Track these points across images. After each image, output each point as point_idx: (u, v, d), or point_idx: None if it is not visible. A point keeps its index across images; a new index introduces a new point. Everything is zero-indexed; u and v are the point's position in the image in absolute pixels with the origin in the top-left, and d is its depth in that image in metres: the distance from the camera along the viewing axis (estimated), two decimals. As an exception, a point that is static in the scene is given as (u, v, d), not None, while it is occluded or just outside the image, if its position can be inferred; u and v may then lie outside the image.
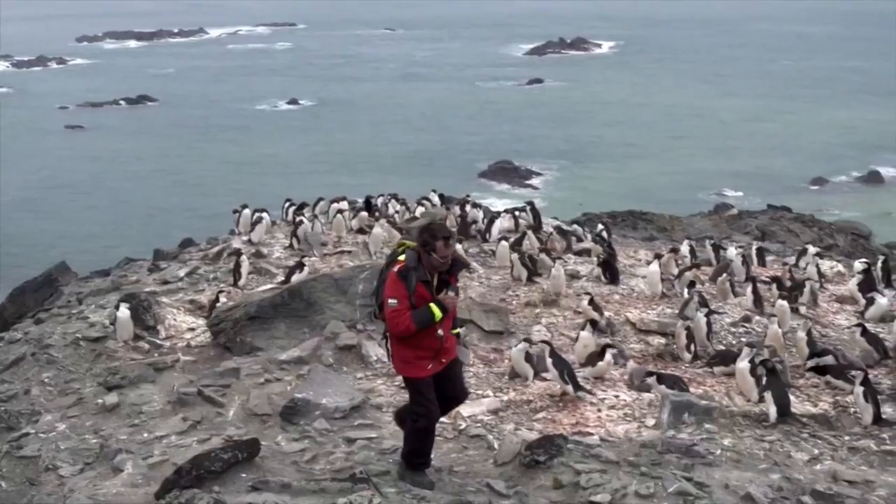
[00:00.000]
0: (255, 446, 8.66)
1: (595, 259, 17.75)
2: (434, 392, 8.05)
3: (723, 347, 13.27)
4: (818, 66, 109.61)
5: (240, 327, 13.17)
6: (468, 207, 22.08)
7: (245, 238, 20.07)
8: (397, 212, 22.80)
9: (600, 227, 22.04)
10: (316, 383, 10.85)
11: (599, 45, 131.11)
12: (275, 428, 9.95)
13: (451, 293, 7.92)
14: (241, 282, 16.48)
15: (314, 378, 11.06)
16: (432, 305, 7.79)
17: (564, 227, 22.45)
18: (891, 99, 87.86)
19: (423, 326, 7.79)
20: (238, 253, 17.63)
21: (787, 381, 11.90)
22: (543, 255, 17.39)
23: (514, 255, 16.86)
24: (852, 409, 10.82)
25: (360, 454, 9.14)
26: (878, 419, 10.47)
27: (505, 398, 11.15)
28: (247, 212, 21.15)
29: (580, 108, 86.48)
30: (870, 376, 11.70)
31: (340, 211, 21.01)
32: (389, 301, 7.76)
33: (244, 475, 8.18)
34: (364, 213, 21.51)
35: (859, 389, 10.63)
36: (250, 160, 67.20)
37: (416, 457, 8.29)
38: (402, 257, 7.88)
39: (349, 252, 18.92)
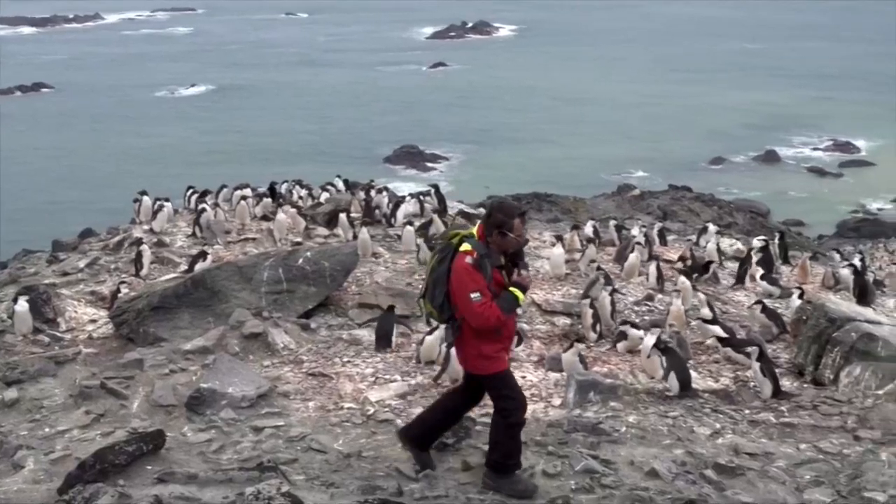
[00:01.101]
0: (160, 438, 8.53)
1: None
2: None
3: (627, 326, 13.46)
4: (716, 49, 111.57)
5: (143, 318, 12.98)
6: (373, 192, 22.03)
7: (146, 227, 19.71)
8: (301, 198, 22.62)
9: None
10: (221, 372, 10.72)
11: (501, 29, 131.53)
12: (180, 419, 9.82)
13: (523, 272, 7.46)
14: (143, 272, 16.21)
15: (220, 367, 10.92)
16: (513, 290, 7.34)
17: (469, 210, 22.52)
18: (786, 80, 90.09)
19: (510, 314, 7.42)
20: (139, 242, 17.32)
21: (689, 356, 12.16)
22: (446, 238, 17.42)
23: (420, 240, 16.86)
24: (752, 384, 11.08)
25: (267, 443, 9.06)
26: (777, 392, 10.75)
27: (413, 382, 11.16)
28: (147, 200, 20.74)
29: (484, 91, 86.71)
30: (767, 351, 12.02)
31: (244, 198, 20.76)
32: (472, 296, 7.10)
33: (149, 467, 8.05)
34: (268, 200, 21.29)
35: (756, 365, 10.91)
36: (150, 148, 66.03)
37: (510, 458, 7.69)
38: (465, 247, 7.21)
39: (253, 239, 18.72)
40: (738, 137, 68.31)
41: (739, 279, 16.47)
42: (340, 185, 24.49)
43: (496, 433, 7.69)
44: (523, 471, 7.90)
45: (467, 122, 74.31)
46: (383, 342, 12.36)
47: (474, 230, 7.43)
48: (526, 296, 7.53)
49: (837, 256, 19.93)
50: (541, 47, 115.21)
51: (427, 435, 8.13)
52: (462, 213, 20.88)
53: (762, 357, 11.10)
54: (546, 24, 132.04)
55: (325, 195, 22.62)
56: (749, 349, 11.36)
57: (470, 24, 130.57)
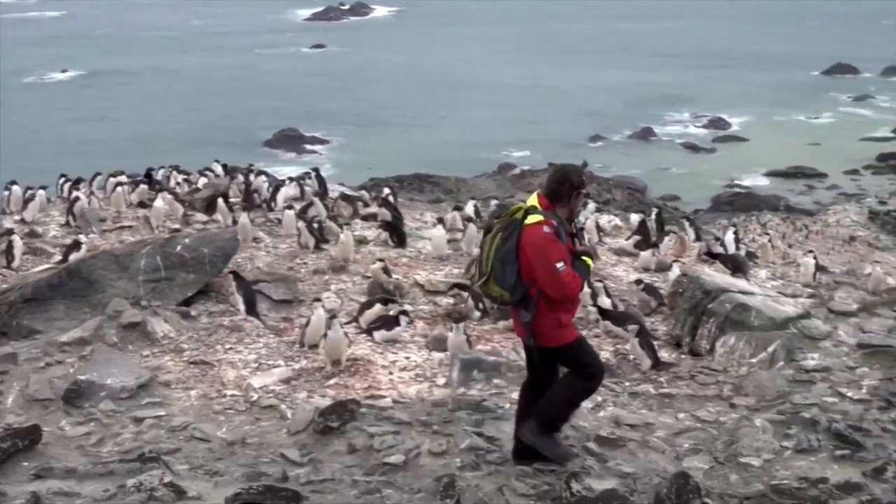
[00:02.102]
0: (36, 433, 8.30)
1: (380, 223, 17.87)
2: None
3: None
4: (591, 29, 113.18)
5: (15, 310, 12.60)
6: (252, 177, 21.77)
7: (17, 217, 19.13)
8: (179, 184, 22.24)
9: (386, 191, 22.12)
10: (100, 364, 10.49)
11: (379, 10, 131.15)
12: (57, 413, 9.57)
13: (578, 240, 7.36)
14: (15, 263, 15.72)
15: (97, 358, 10.68)
16: (585, 258, 7.22)
17: (350, 192, 22.45)
18: (659, 59, 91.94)
19: (585, 281, 7.33)
20: (10, 233, 16.80)
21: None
22: (330, 222, 17.35)
23: (301, 223, 16.75)
24: (631, 357, 11.32)
25: (149, 433, 8.92)
26: (656, 364, 11.00)
27: (297, 367, 11.09)
28: (17, 189, 20.12)
29: (365, 73, 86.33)
30: (646, 324, 12.28)
31: (119, 185, 20.31)
32: (558, 265, 6.86)
33: (26, 464, 7.84)
34: (144, 187, 20.87)
35: (635, 340, 11.16)
36: (19, 136, 63.97)
37: (561, 420, 7.57)
38: (536, 218, 6.95)
39: (129, 227, 18.34)
40: (614, 116, 69.40)
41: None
42: (219, 169, 24.15)
43: (566, 391, 7.42)
44: (413, 450, 7.94)
45: (348, 104, 73.90)
46: (251, 307, 12.57)
47: (534, 202, 7.14)
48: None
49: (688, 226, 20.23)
50: (420, 28, 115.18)
51: (561, 418, 7.68)
52: (343, 196, 20.78)
53: (641, 331, 11.35)
54: (424, 5, 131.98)
55: (203, 180, 22.26)
56: (630, 326, 11.61)
57: (347, 6, 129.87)
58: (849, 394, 9.62)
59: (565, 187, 7.13)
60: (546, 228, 6.89)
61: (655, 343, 11.55)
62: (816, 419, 8.58)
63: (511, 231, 6.98)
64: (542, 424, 7.41)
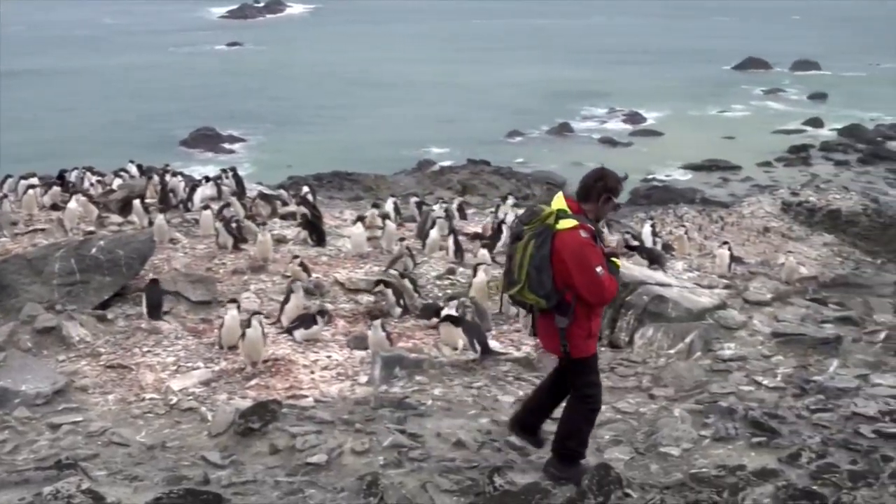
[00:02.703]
0: (-53, 443, 8.13)
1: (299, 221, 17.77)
2: None
3: (430, 300, 13.63)
4: (507, 26, 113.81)
5: (-76, 318, 12.30)
6: (168, 177, 21.47)
7: (-76, 222, 18.62)
8: (93, 185, 21.84)
9: (305, 189, 21.98)
10: (14, 370, 10.30)
11: (294, 7, 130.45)
12: (-30, 421, 9.36)
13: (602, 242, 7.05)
14: (-76, 269, 15.32)
15: (11, 364, 10.48)
16: (614, 259, 7.00)
17: (268, 191, 22.28)
18: (574, 55, 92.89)
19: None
20: (-82, 239, 16.39)
21: (489, 327, 12.41)
22: (248, 222, 17.20)
23: (219, 223, 16.58)
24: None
25: (66, 440, 8.76)
26: None
27: (217, 368, 10.99)
28: (-77, 194, 19.61)
29: (282, 71, 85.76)
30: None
31: (31, 187, 19.88)
32: (598, 269, 6.63)
33: (-63, 475, 7.66)
34: (57, 188, 20.45)
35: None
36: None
37: (583, 445, 7.27)
38: (569, 223, 6.70)
39: (43, 230, 17.94)
40: (532, 112, 69.78)
41: None
42: (134, 170, 23.78)
43: (575, 421, 7.17)
44: (335, 449, 7.92)
45: (266, 102, 73.32)
46: (154, 311, 12.47)
47: (561, 205, 6.85)
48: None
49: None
50: (336, 26, 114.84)
51: (581, 443, 7.36)
52: (261, 195, 20.60)
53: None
54: (340, 2, 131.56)
55: (117, 181, 21.90)
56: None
57: (262, 3, 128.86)
58: (764, 382, 9.79)
59: (598, 185, 6.92)
60: (583, 233, 6.70)
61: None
62: (733, 408, 8.73)
63: (544, 237, 6.72)
64: (563, 459, 7.25)
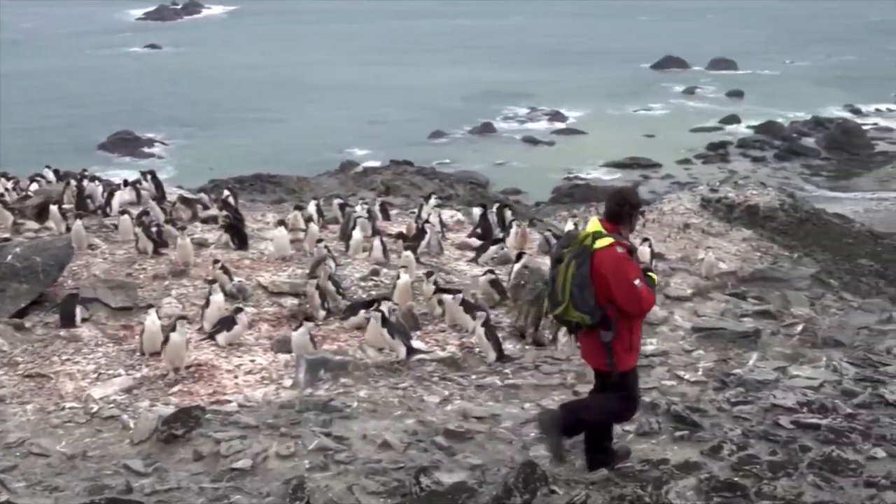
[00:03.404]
0: None
1: (221, 225, 17.59)
2: None
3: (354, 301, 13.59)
4: (428, 27, 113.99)
5: None
6: (85, 182, 21.08)
7: None
8: (7, 191, 21.37)
9: (226, 192, 21.76)
10: (-73, 382, 10.05)
11: (213, 9, 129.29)
12: None
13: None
14: None
15: (-75, 376, 10.23)
16: (650, 273, 7.34)
17: (189, 195, 22.00)
18: (495, 56, 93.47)
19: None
20: None
21: (418, 326, 12.42)
22: (169, 226, 16.98)
23: (138, 228, 16.34)
24: (477, 350, 11.43)
25: (-18, 452, 8.57)
26: (500, 356, 11.15)
27: (138, 375, 10.83)
28: None
29: (203, 73, 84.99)
30: (491, 316, 12.43)
31: (-57, 194, 19.44)
32: (636, 283, 6.99)
33: None
34: (-30, 196, 20.01)
35: (481, 331, 11.28)
36: None
37: (580, 427, 7.53)
38: (606, 241, 7.04)
39: (-44, 238, 17.55)
40: (455, 112, 70.07)
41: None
42: (50, 175, 23.32)
43: (599, 408, 7.49)
44: (260, 453, 7.86)
45: (186, 105, 72.58)
46: (67, 321, 12.31)
47: (597, 227, 7.18)
48: None
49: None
50: (256, 27, 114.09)
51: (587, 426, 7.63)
52: (182, 199, 20.33)
53: (486, 324, 11.49)
54: (260, 3, 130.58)
55: (34, 187, 21.46)
56: (477, 313, 11.75)
57: (180, 5, 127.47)
58: (686, 376, 9.93)
59: (625, 209, 7.29)
60: (619, 249, 7.04)
61: (500, 335, 11.70)
62: (656, 402, 8.84)
63: (583, 258, 7.05)
64: (566, 422, 7.48)
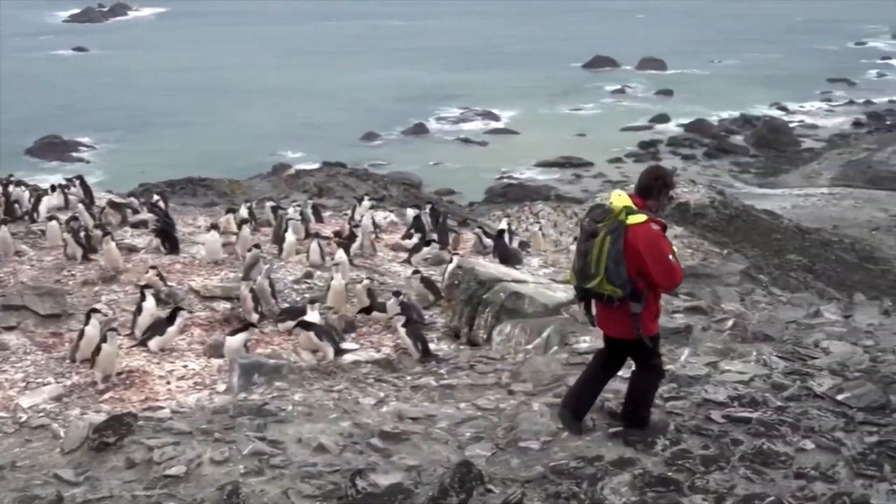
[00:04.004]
0: None
1: (151, 229, 17.41)
2: None
3: (287, 304, 13.53)
4: (357, 28, 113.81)
5: None
6: (11, 187, 20.71)
7: None
8: (-69, 198, 20.93)
9: (156, 196, 21.53)
10: None
11: (142, 11, 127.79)
12: None
13: None
14: None
15: None
16: (674, 248, 7.60)
17: (118, 199, 21.72)
18: (426, 57, 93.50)
19: None
20: None
21: (354, 328, 12.41)
22: (98, 231, 16.75)
23: (67, 234, 16.10)
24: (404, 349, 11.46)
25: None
26: (426, 354, 11.21)
27: (68, 383, 10.67)
28: None
29: (132, 76, 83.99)
30: (424, 317, 12.46)
31: None
32: (670, 257, 7.36)
33: None
34: None
35: (402, 330, 11.33)
36: None
37: (647, 409, 7.95)
38: (639, 217, 7.29)
39: None
40: (387, 114, 70.04)
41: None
42: (-25, 181, 22.89)
43: (643, 391, 7.88)
44: (194, 459, 7.78)
45: (116, 109, 71.60)
46: None
47: (627, 202, 7.39)
48: None
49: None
50: (185, 30, 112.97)
51: (647, 406, 8.04)
52: (111, 204, 20.06)
53: (407, 323, 11.52)
54: (188, 5, 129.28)
55: (-45, 193, 21.05)
56: (395, 315, 11.80)
57: (108, 7, 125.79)
58: (620, 373, 9.99)
59: (658, 183, 7.61)
60: (654, 226, 7.33)
61: (434, 335, 11.72)
62: (590, 400, 8.88)
63: (618, 233, 7.28)
64: (636, 425, 7.87)
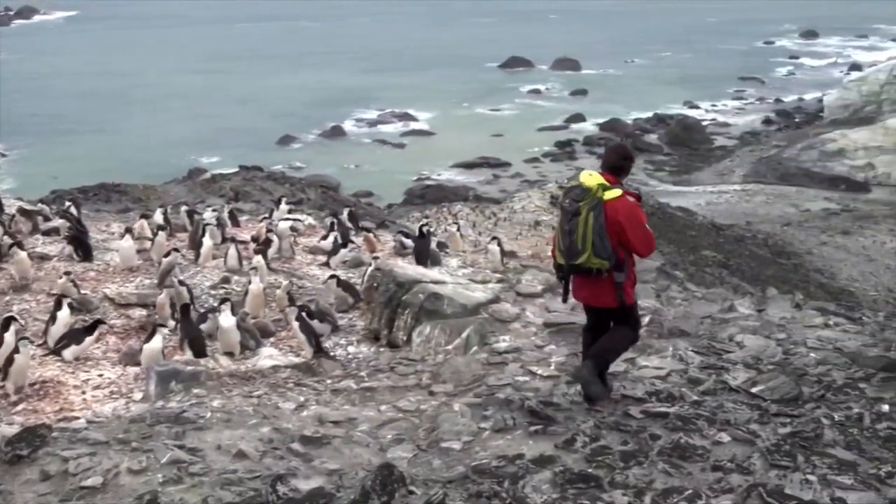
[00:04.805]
0: None
1: (64, 236, 17.09)
2: None
3: (203, 310, 13.39)
4: (269, 30, 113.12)
5: None
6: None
7: None
8: None
9: (68, 203, 21.12)
10: None
11: (50, 13, 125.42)
12: None
13: None
14: None
15: None
16: None
17: (29, 206, 21.27)
18: (339, 59, 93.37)
19: None
20: None
21: (272, 332, 12.33)
22: (7, 239, 16.38)
23: (-23, 245, 15.73)
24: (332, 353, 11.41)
25: None
26: (318, 350, 11.26)
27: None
28: None
29: (41, 81, 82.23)
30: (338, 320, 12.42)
31: None
32: (646, 225, 8.04)
33: None
34: None
35: (295, 324, 11.37)
36: None
37: (611, 360, 8.64)
38: (615, 192, 7.88)
39: None
40: (303, 117, 69.63)
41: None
42: None
43: (619, 341, 8.46)
44: (111, 470, 7.65)
45: (25, 114, 69.96)
46: None
47: (600, 180, 7.90)
48: None
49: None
50: (96, 33, 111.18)
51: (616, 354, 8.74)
52: (21, 211, 19.64)
53: (299, 318, 11.56)
54: (98, 8, 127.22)
55: None
56: (287, 309, 11.82)
57: (14, 10, 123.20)
58: (539, 371, 10.06)
59: (627, 163, 8.23)
60: (630, 198, 7.95)
61: (354, 338, 11.69)
62: (511, 398, 8.92)
63: (598, 209, 7.82)
64: (597, 365, 8.44)
